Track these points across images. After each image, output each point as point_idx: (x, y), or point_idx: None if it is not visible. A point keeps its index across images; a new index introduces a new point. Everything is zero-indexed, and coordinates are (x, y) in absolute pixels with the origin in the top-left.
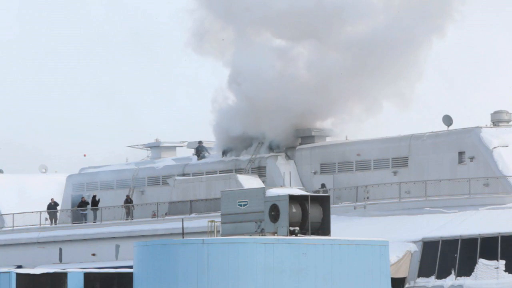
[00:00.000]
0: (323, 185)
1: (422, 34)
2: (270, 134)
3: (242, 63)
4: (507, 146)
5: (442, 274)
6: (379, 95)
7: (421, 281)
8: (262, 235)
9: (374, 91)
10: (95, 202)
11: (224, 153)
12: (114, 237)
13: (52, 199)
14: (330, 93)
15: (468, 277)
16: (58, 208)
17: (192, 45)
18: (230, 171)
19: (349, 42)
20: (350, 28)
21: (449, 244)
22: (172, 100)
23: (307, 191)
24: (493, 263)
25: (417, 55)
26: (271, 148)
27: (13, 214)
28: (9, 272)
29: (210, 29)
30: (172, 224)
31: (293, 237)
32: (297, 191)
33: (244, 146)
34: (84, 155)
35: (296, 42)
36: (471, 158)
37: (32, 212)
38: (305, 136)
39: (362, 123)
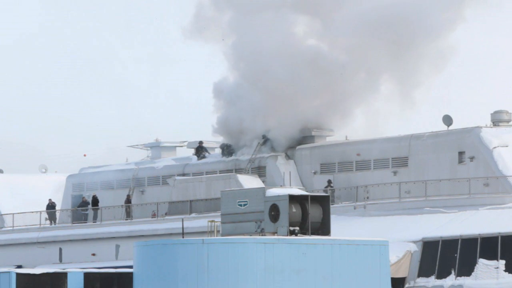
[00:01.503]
0: (329, 181)
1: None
2: (278, 128)
3: (246, 43)
4: (507, 146)
5: (442, 274)
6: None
7: (421, 281)
8: (262, 235)
9: (410, 69)
10: (95, 202)
11: (224, 148)
12: (114, 237)
13: (50, 200)
14: (359, 72)
15: (468, 277)
16: (56, 208)
17: (191, 33)
18: (230, 171)
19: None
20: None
21: (449, 244)
22: (173, 100)
23: (307, 191)
24: (493, 263)
25: (440, 36)
26: (272, 148)
27: (13, 214)
28: (9, 272)
29: (210, 16)
30: (172, 224)
31: (293, 237)
32: (297, 191)
33: (247, 142)
34: (84, 155)
35: (304, 19)
36: (471, 158)
37: (32, 212)
38: (305, 136)
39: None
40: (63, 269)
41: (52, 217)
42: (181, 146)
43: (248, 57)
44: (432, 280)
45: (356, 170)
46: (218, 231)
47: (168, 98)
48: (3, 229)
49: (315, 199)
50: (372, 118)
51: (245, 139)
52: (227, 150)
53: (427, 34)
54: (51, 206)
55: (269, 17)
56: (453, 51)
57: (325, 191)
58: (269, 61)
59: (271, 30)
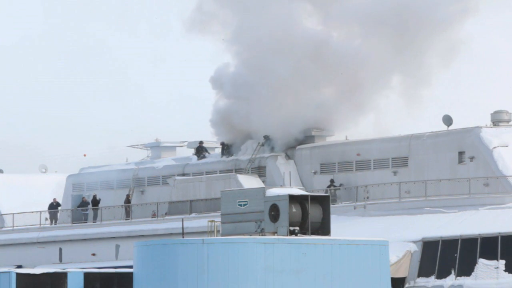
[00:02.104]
0: (332, 181)
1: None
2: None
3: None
4: (507, 146)
5: (442, 274)
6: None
7: (421, 281)
8: (262, 235)
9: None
10: (95, 202)
11: (224, 148)
12: (114, 237)
13: (54, 199)
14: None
15: (468, 277)
16: (60, 208)
17: (192, 26)
18: (230, 171)
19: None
20: None
21: (449, 244)
22: (173, 100)
23: (307, 191)
24: (493, 263)
25: (451, 31)
26: (272, 148)
27: (13, 214)
28: (9, 272)
29: (211, 10)
30: (172, 224)
31: (293, 237)
32: (297, 191)
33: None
34: (84, 155)
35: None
36: (471, 158)
37: (32, 212)
38: (305, 136)
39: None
40: (63, 269)
41: (53, 216)
42: (181, 146)
43: (250, 47)
44: (432, 280)
45: (356, 170)
46: (218, 231)
47: (168, 97)
48: (3, 229)
49: (315, 199)
50: (381, 115)
51: (246, 137)
52: (227, 150)
53: (436, 26)
54: (55, 206)
55: (272, 6)
56: (463, 45)
57: (326, 190)
58: (273, 52)
59: (274, 18)
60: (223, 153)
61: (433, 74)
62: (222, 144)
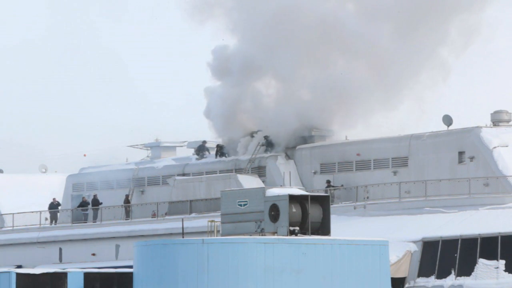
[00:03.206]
0: (328, 181)
1: None
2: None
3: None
4: (507, 146)
5: (442, 274)
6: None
7: (421, 281)
8: (262, 235)
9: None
10: (96, 202)
11: (218, 148)
12: (114, 237)
13: (54, 199)
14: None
15: (468, 277)
16: (60, 208)
17: (193, 16)
18: (230, 171)
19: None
20: None
21: (449, 244)
22: (173, 99)
23: (307, 191)
24: (493, 263)
25: (465, 18)
26: (273, 146)
27: (13, 214)
28: (9, 272)
29: (211, 2)
30: (172, 224)
31: (293, 237)
32: (297, 191)
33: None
34: (84, 155)
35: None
36: (471, 158)
37: (32, 212)
38: (305, 136)
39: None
40: (63, 269)
41: (53, 216)
42: (181, 146)
43: (254, 31)
44: (432, 280)
45: (356, 170)
46: (218, 231)
47: (169, 97)
48: (3, 229)
49: (315, 199)
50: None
51: (243, 134)
52: (220, 151)
53: (452, 10)
54: (55, 205)
55: None
56: (478, 33)
57: (326, 191)
58: (280, 37)
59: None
60: (216, 154)
61: (449, 68)
62: (217, 146)
